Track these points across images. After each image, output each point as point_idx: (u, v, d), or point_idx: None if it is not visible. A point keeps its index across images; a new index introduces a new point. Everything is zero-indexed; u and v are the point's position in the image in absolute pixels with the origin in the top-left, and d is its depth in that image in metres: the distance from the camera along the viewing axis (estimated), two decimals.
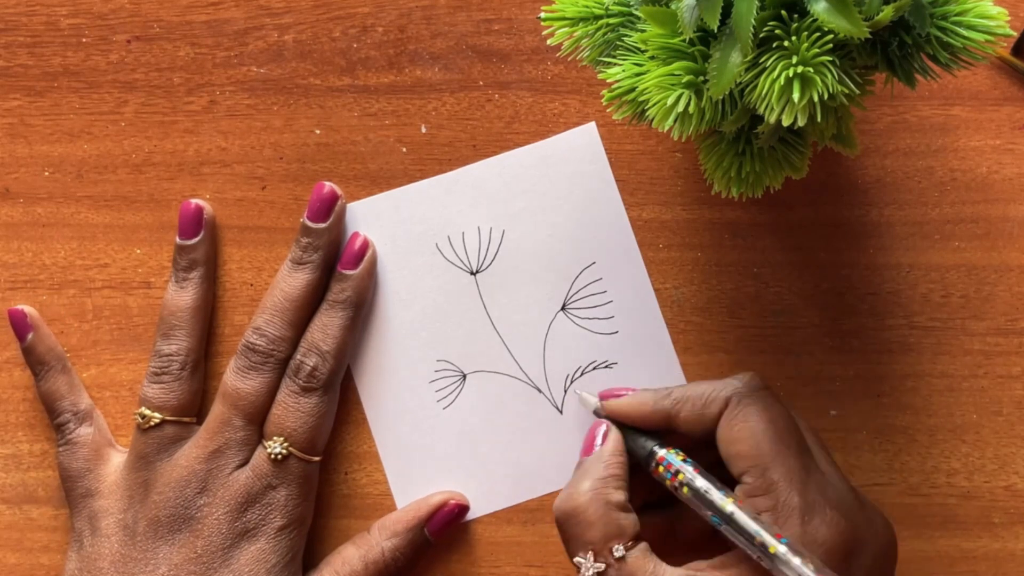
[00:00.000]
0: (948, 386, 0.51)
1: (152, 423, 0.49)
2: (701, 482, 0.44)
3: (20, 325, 0.52)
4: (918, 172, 0.51)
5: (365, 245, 0.51)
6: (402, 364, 0.52)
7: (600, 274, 0.51)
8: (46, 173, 0.53)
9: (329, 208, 0.50)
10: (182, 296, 0.51)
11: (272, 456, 0.48)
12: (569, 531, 0.45)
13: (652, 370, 0.51)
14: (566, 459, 0.48)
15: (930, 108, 0.51)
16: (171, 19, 0.52)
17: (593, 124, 0.51)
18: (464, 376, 0.52)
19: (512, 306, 0.52)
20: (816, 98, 0.36)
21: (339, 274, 0.51)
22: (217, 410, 0.49)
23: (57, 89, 0.53)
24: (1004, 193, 0.51)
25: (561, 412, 0.52)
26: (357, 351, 0.52)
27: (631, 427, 0.47)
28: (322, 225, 0.50)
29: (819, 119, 0.36)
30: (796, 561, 0.41)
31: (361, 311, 0.51)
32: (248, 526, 0.48)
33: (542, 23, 0.42)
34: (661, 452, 0.46)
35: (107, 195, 0.53)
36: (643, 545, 0.44)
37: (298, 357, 0.49)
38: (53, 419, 0.51)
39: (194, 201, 0.51)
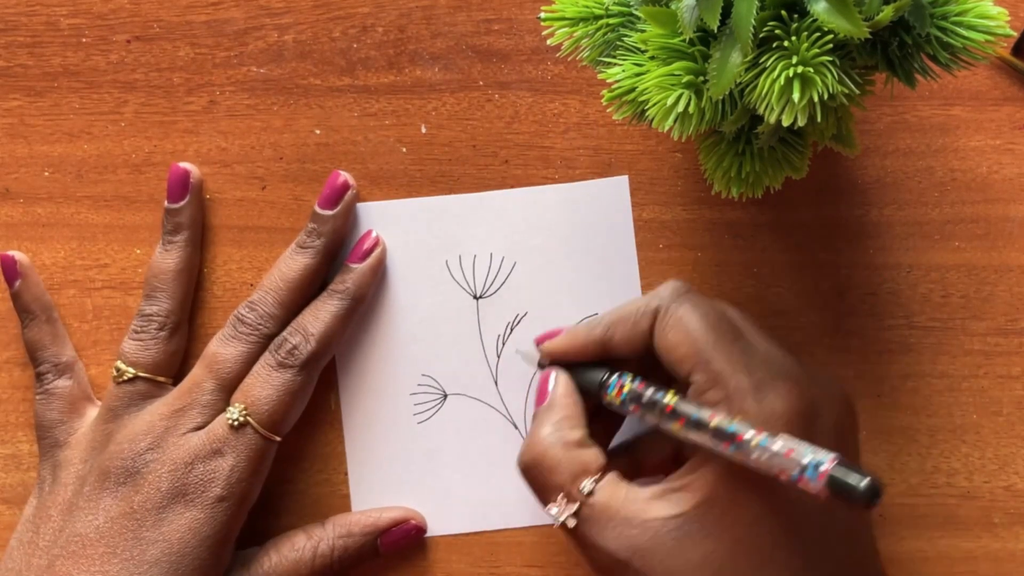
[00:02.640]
0: (948, 386, 0.51)
1: (125, 377, 0.50)
2: (648, 391, 0.44)
3: (9, 271, 0.52)
4: (918, 172, 0.51)
5: (375, 243, 0.51)
6: (387, 370, 0.52)
7: None
8: (46, 173, 0.53)
9: (338, 197, 0.51)
10: (166, 259, 0.51)
11: (229, 422, 0.48)
12: (535, 480, 0.45)
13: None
14: (528, 497, 0.48)
15: (930, 108, 0.51)
16: (171, 19, 0.52)
17: (626, 178, 0.51)
18: (445, 396, 0.52)
19: (506, 338, 0.51)
20: (816, 98, 0.36)
21: (345, 267, 0.51)
22: (193, 372, 0.50)
23: (57, 89, 0.53)
24: (1004, 193, 0.51)
25: None
26: (346, 347, 0.52)
27: (579, 365, 0.47)
28: (328, 212, 0.51)
29: (819, 119, 0.36)
30: (750, 432, 0.40)
31: (358, 306, 0.51)
32: (186, 490, 0.47)
33: (542, 23, 0.42)
34: (611, 378, 0.46)
35: (107, 195, 0.53)
36: (611, 475, 0.44)
37: (283, 334, 0.49)
38: (34, 368, 0.52)
39: (182, 165, 0.52)
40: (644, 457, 0.48)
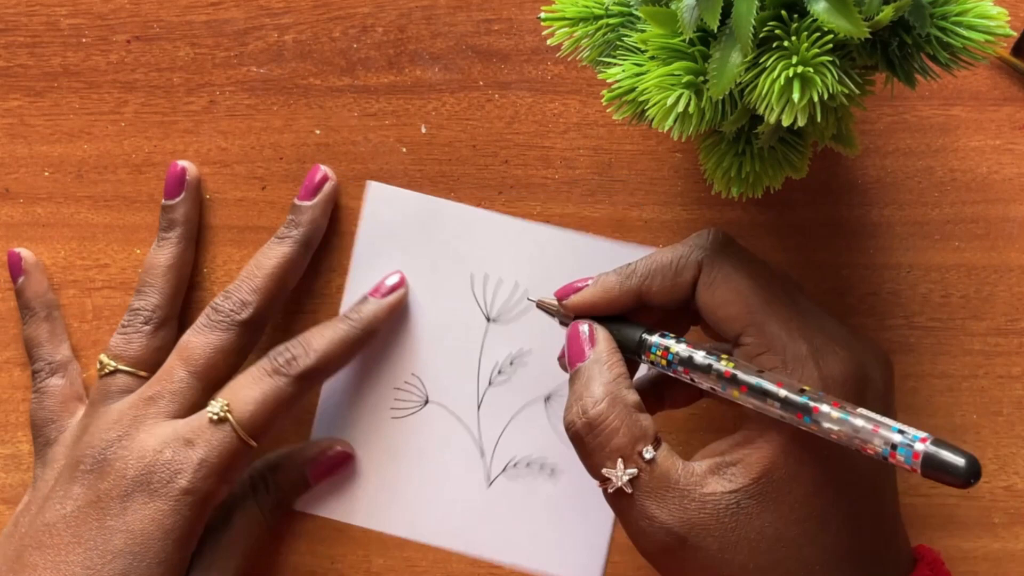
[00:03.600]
0: (948, 386, 0.51)
1: (107, 370, 0.50)
2: (699, 355, 0.41)
3: (14, 267, 0.53)
4: (918, 172, 0.51)
5: (400, 284, 0.51)
6: (380, 358, 0.52)
7: None
8: (46, 173, 0.53)
9: (317, 189, 0.51)
10: (158, 255, 0.51)
11: (209, 416, 0.47)
12: (592, 443, 0.42)
13: (590, 491, 0.44)
14: (465, 526, 0.48)
15: (930, 108, 0.51)
16: (171, 19, 0.52)
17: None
18: (426, 402, 0.52)
19: (504, 368, 0.51)
20: (816, 98, 0.36)
21: (364, 298, 0.51)
22: (167, 362, 0.49)
23: (57, 89, 0.53)
24: (1004, 193, 0.51)
25: (489, 485, 0.51)
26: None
27: (610, 319, 0.44)
28: (306, 203, 0.51)
29: (819, 119, 0.36)
30: (826, 406, 0.38)
31: (368, 338, 0.50)
32: (151, 479, 0.46)
33: (542, 23, 0.42)
34: (652, 338, 0.43)
35: (107, 195, 0.53)
36: (665, 445, 0.42)
37: (286, 344, 0.49)
38: (31, 365, 0.52)
39: (180, 163, 0.52)
40: (669, 397, 0.47)
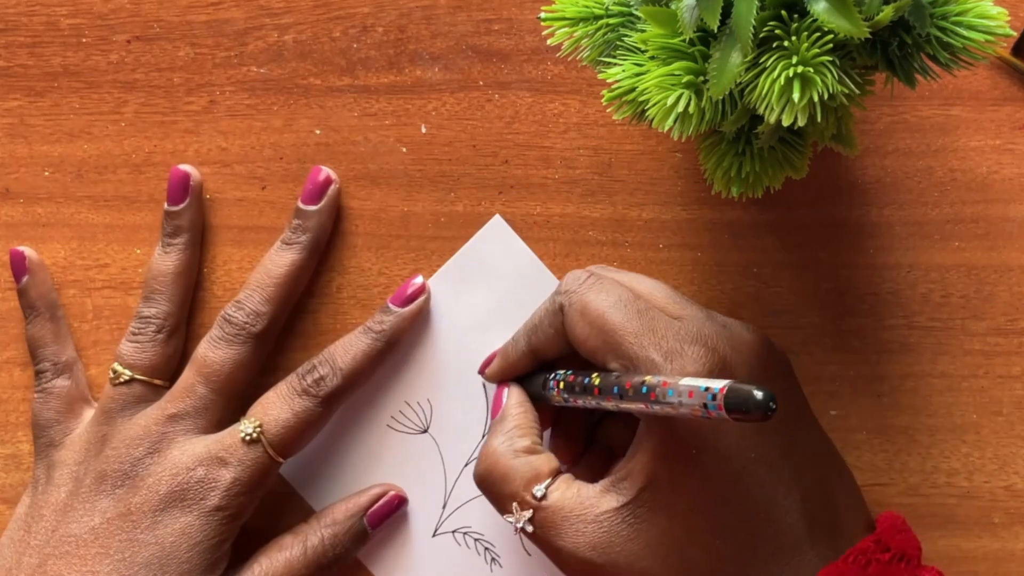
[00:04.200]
0: (948, 386, 0.51)
1: (122, 379, 0.49)
2: (578, 379, 0.44)
3: (17, 266, 0.52)
4: (918, 172, 0.51)
5: (421, 290, 0.51)
6: (411, 367, 0.51)
7: None
8: (46, 173, 0.53)
9: (321, 192, 0.51)
10: (165, 261, 0.51)
11: (243, 436, 0.48)
12: (491, 492, 0.45)
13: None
14: (407, 561, 0.50)
15: (930, 108, 0.51)
16: (171, 19, 0.52)
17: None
18: (424, 431, 0.52)
19: None
20: (816, 98, 0.36)
21: (385, 307, 0.51)
22: (184, 376, 0.49)
23: (57, 89, 0.53)
24: (1004, 193, 0.51)
25: (432, 536, 0.51)
26: None
27: (526, 376, 0.48)
28: (312, 207, 0.51)
29: (819, 119, 0.36)
30: (655, 379, 0.40)
31: (391, 348, 0.50)
32: (185, 495, 0.47)
33: (542, 23, 0.42)
34: (546, 379, 0.46)
35: (107, 195, 0.53)
36: (563, 476, 0.44)
37: (313, 361, 0.49)
38: (34, 365, 0.52)
39: (182, 167, 0.51)
40: (613, 444, 0.48)
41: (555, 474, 0.44)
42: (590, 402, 0.44)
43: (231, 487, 0.47)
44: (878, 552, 0.43)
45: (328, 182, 0.51)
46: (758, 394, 0.36)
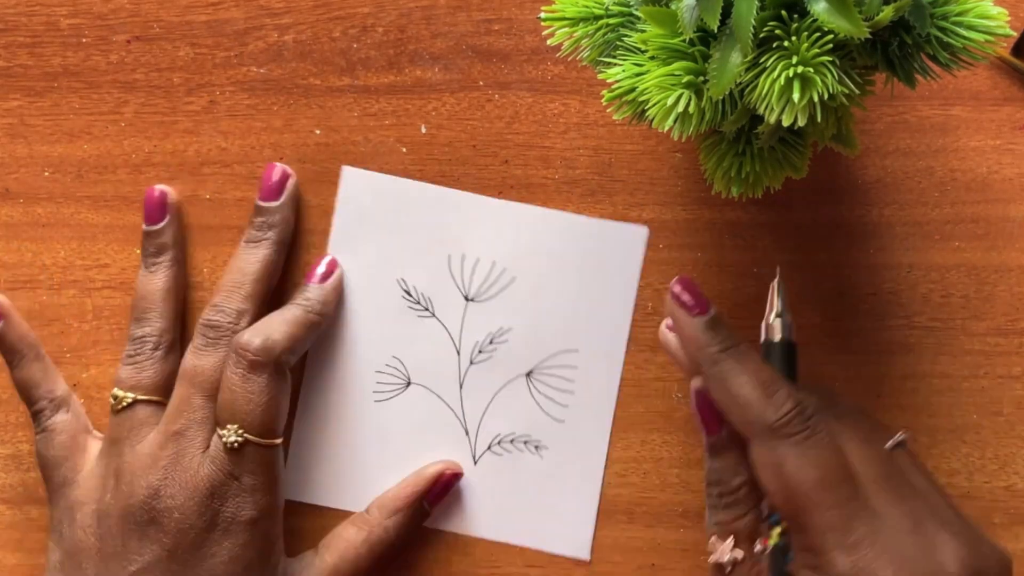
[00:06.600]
0: (948, 386, 0.51)
1: (124, 403, 0.49)
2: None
3: None
4: (918, 172, 0.51)
5: (285, 175, 0.51)
6: (361, 342, 0.52)
7: (576, 363, 0.51)
8: (46, 173, 0.53)
9: (280, 187, 0.51)
10: (152, 280, 0.51)
11: (227, 445, 0.47)
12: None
13: (575, 465, 0.51)
14: (454, 504, 0.50)
15: (930, 108, 0.51)
16: (171, 19, 0.52)
17: (646, 229, 0.51)
18: (408, 384, 0.52)
19: (484, 347, 0.51)
20: (816, 98, 0.36)
21: (304, 285, 0.51)
22: (177, 392, 0.49)
23: (57, 89, 0.53)
24: (1004, 193, 0.51)
25: (475, 463, 0.52)
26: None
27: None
28: (274, 203, 0.51)
29: (819, 119, 0.36)
30: None
31: (322, 320, 0.50)
32: (218, 519, 0.47)
33: (542, 23, 0.42)
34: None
35: (107, 195, 0.53)
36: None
37: (246, 336, 0.48)
38: (30, 407, 0.51)
39: (158, 187, 0.51)
40: None
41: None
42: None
43: (254, 493, 0.47)
44: None
45: (286, 176, 0.51)
46: None
